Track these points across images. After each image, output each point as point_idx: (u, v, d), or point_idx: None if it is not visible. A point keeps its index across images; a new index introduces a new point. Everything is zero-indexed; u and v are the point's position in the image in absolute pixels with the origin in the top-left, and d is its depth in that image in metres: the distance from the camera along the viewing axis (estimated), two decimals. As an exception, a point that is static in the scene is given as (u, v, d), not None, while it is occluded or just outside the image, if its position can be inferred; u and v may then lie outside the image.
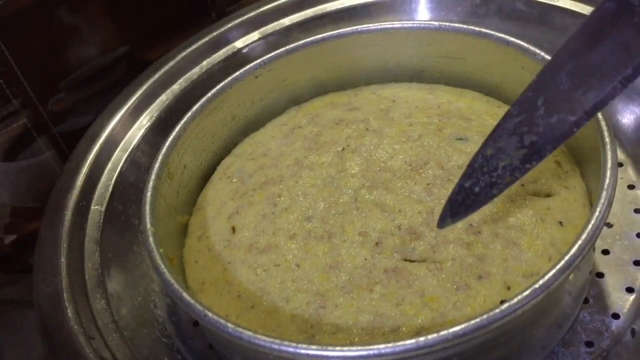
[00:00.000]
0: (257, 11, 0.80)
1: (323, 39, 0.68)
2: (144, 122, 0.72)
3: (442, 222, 0.51)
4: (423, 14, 0.78)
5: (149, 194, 0.56)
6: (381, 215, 0.55)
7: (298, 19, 0.79)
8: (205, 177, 0.66)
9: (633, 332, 0.52)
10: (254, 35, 0.79)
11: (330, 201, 0.57)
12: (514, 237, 0.52)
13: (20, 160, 0.80)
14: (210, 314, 0.47)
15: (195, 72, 0.77)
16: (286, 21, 0.80)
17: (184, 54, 0.77)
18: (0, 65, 0.74)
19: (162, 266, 0.51)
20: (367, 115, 0.65)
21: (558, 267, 0.44)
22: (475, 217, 0.53)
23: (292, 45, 0.68)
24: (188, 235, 0.61)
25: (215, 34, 0.79)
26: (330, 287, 0.52)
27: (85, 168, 0.67)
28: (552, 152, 0.48)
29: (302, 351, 0.43)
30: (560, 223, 0.53)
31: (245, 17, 0.80)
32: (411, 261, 0.52)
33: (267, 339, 0.44)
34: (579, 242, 0.45)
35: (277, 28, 0.79)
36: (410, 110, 0.65)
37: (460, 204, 0.50)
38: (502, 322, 0.42)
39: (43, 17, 0.76)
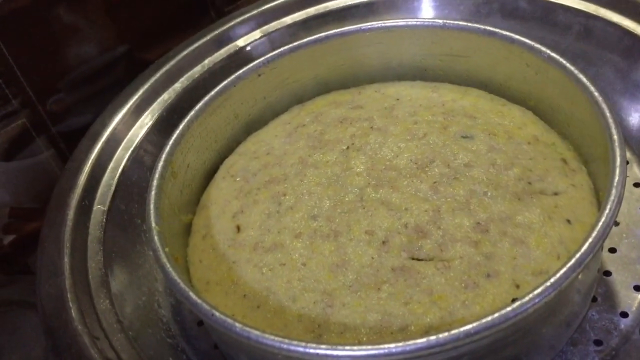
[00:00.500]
0: (259, 9, 0.80)
1: (326, 37, 0.68)
2: (146, 120, 0.71)
3: None
4: (426, 12, 0.78)
5: (153, 193, 0.56)
6: (387, 214, 0.55)
7: (300, 17, 0.79)
8: (209, 176, 0.65)
9: (642, 330, 0.52)
10: (256, 34, 0.79)
11: (335, 200, 0.57)
12: (521, 236, 0.52)
13: (19, 160, 0.80)
14: (217, 314, 0.46)
15: (197, 70, 0.76)
16: (288, 19, 0.79)
17: (185, 52, 0.77)
18: (-1, 65, 0.73)
19: (168, 265, 0.50)
20: (371, 113, 0.65)
21: (569, 265, 0.43)
22: (482, 215, 0.53)
23: (295, 44, 0.67)
24: (192, 234, 0.61)
25: (217, 32, 0.79)
26: (337, 286, 0.51)
27: (88, 167, 0.66)
28: None
29: (312, 351, 0.43)
30: (568, 221, 0.53)
31: (247, 15, 0.79)
32: (418, 260, 0.52)
33: (276, 338, 0.44)
34: (590, 239, 0.45)
35: (279, 26, 0.79)
36: (414, 108, 0.64)
37: None
38: (514, 321, 0.42)
39: (42, 17, 0.76)
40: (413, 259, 0.52)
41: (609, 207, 0.47)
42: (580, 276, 0.48)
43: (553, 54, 0.58)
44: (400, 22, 0.67)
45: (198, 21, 0.89)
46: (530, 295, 0.42)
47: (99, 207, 0.63)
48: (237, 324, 0.45)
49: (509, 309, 0.42)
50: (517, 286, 0.49)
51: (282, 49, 0.67)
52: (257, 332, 0.45)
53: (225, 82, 0.65)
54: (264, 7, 0.80)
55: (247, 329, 0.45)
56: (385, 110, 0.65)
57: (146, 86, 0.74)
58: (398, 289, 0.50)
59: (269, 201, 0.59)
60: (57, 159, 0.82)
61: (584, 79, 0.55)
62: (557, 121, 0.61)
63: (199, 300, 0.48)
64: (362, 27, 0.67)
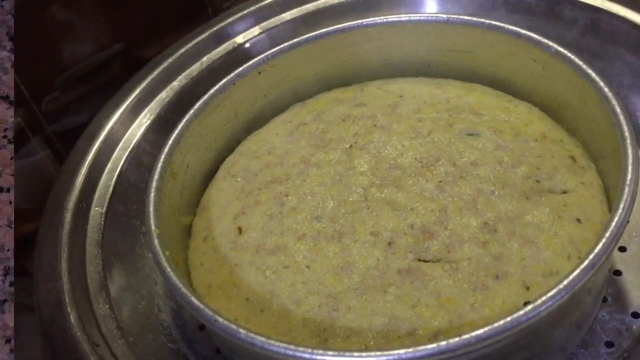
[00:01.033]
0: (258, 5, 0.78)
1: (327, 34, 0.66)
2: (144, 120, 0.70)
3: None
4: (429, 6, 0.77)
5: (152, 194, 0.55)
6: (393, 214, 0.53)
7: (300, 13, 0.78)
8: (209, 176, 0.64)
9: (655, 332, 0.51)
10: (255, 30, 0.77)
11: (339, 200, 0.56)
12: (531, 235, 0.51)
13: (15, 160, 0.78)
14: (221, 319, 0.45)
15: (195, 68, 0.75)
16: (287, 15, 0.78)
17: (183, 49, 0.75)
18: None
19: (169, 269, 0.49)
20: (374, 111, 0.63)
21: (583, 266, 0.42)
22: (490, 215, 0.52)
23: (295, 40, 0.66)
24: (192, 236, 0.60)
25: (215, 29, 0.77)
26: (342, 289, 0.50)
27: (85, 168, 0.65)
28: None
29: (319, 357, 0.42)
30: (578, 220, 0.52)
31: (246, 11, 0.78)
32: (425, 261, 0.51)
33: (281, 344, 0.43)
34: (604, 240, 0.44)
35: (279, 22, 0.78)
36: (418, 105, 0.63)
37: None
38: (527, 324, 0.41)
39: (36, 14, 0.74)
40: (420, 260, 0.51)
41: (622, 206, 0.45)
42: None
43: (561, 49, 0.57)
44: (403, 17, 0.66)
45: (195, 18, 0.88)
46: (543, 298, 0.41)
47: (97, 209, 0.62)
48: (241, 330, 0.44)
49: (521, 312, 0.41)
50: (527, 288, 0.48)
51: (282, 45, 0.66)
52: (262, 338, 0.43)
53: (224, 80, 0.64)
54: (262, 3, 0.79)
55: (252, 334, 0.44)
56: (388, 108, 0.64)
57: (143, 85, 0.73)
58: (405, 292, 0.49)
59: (271, 202, 0.57)
60: (52, 159, 0.81)
61: (593, 74, 0.54)
62: (565, 117, 0.60)
63: (201, 306, 0.46)
64: (364, 23, 0.66)
